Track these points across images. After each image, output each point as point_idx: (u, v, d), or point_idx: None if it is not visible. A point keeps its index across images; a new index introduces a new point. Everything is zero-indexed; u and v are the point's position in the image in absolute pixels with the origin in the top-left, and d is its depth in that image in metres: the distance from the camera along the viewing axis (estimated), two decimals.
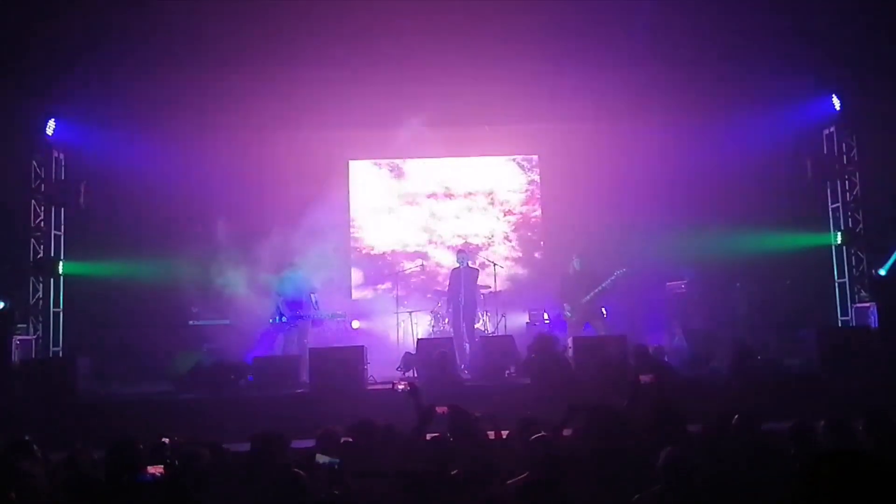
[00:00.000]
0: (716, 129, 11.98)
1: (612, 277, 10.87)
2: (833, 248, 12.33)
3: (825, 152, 12.41)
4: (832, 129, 12.32)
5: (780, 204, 11.97)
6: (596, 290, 10.94)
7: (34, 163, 11.97)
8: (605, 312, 11.13)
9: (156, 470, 3.77)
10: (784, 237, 11.78)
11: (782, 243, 11.70)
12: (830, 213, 12.43)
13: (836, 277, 12.25)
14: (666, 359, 9.59)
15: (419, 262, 13.44)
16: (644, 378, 5.94)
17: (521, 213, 14.10)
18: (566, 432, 5.25)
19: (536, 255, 14.00)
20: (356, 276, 13.85)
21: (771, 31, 10.27)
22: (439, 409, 5.09)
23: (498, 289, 12.40)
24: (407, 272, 13.28)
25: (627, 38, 10.02)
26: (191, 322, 11.45)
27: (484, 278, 12.12)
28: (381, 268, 13.84)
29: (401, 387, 5.96)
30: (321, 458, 4.34)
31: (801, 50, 10.48)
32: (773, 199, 12.00)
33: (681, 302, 11.89)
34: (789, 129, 11.84)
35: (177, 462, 4.03)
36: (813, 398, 7.70)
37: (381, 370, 10.01)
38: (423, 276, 13.46)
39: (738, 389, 8.09)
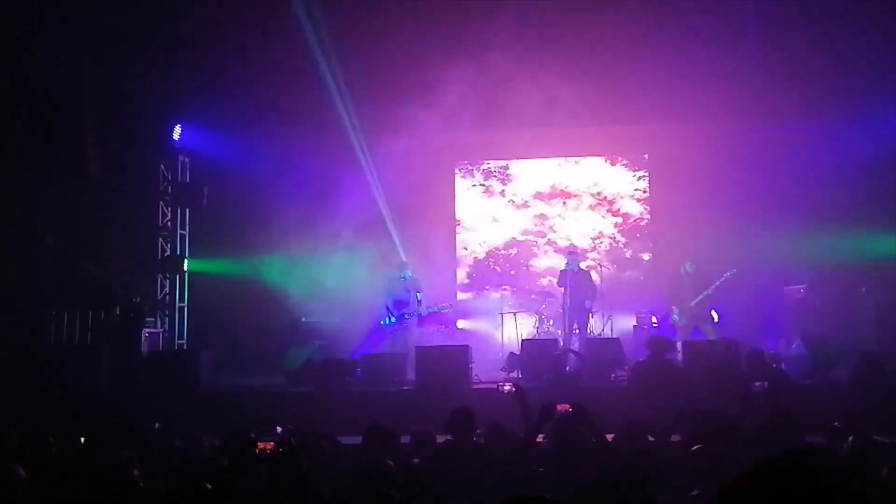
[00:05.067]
0: (836, 126, 11.33)
1: (722, 279, 10.53)
2: None
3: None
4: None
5: None
6: (705, 293, 10.62)
7: (162, 166, 12.77)
8: (715, 316, 10.77)
9: (266, 445, 3.94)
10: None
11: None
12: None
13: None
14: (783, 366, 9.17)
15: (512, 271, 13.38)
16: (757, 385, 5.70)
17: (629, 215, 13.82)
18: (674, 438, 5.13)
19: (645, 257, 13.68)
20: (461, 277, 13.97)
21: (884, 30, 9.69)
22: (560, 407, 4.99)
23: (604, 291, 12.19)
24: (508, 273, 13.29)
25: (740, 38, 9.68)
26: (303, 319, 11.87)
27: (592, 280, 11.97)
28: (487, 269, 13.90)
29: (506, 388, 5.92)
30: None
31: None
32: None
33: (800, 307, 11.32)
34: None
35: (292, 440, 4.21)
36: None
37: (486, 370, 10.06)
38: (527, 277, 13.40)
39: (859, 403, 7.63)
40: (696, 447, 4.19)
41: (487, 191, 14.16)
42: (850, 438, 4.38)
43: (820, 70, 10.49)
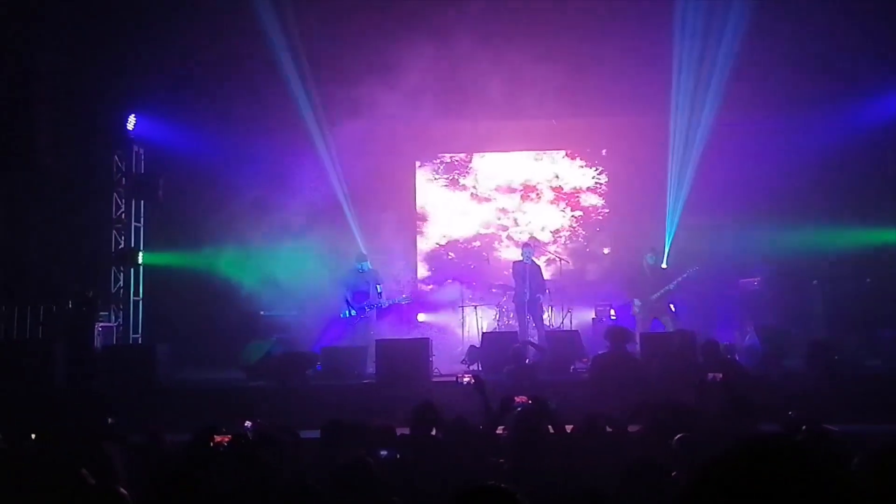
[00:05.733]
0: (793, 122, 11.59)
1: (684, 275, 10.72)
2: None
3: None
4: None
5: (861, 199, 11.52)
6: (666, 288, 10.79)
7: (116, 157, 12.50)
8: (673, 308, 10.96)
9: (223, 439, 3.91)
10: (864, 233, 11.32)
11: (862, 240, 11.26)
12: None
13: None
14: (737, 357, 9.37)
15: (472, 264, 13.41)
16: (712, 376, 5.82)
17: (588, 209, 13.94)
18: (632, 429, 5.21)
19: (605, 250, 13.82)
20: (422, 270, 13.96)
21: (853, 23, 9.91)
22: (518, 399, 5.04)
23: (563, 284, 12.31)
24: (468, 266, 13.30)
25: (700, 34, 9.84)
26: (262, 312, 11.75)
27: (549, 273, 12.07)
28: (447, 262, 13.90)
29: (466, 379, 5.95)
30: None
31: (884, 40, 10.09)
32: (853, 194, 11.56)
33: (753, 299, 11.57)
34: (870, 121, 11.37)
35: (249, 434, 4.18)
36: (892, 400, 7.43)
37: (446, 363, 10.09)
38: (487, 270, 13.44)
39: (812, 390, 7.84)
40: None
41: (449, 183, 14.16)
42: (804, 428, 4.50)
43: (776, 67, 10.69)
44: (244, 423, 5.24)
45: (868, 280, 11.43)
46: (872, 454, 1.67)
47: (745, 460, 1.20)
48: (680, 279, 10.74)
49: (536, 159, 14.07)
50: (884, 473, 1.60)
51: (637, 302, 11.07)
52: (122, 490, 3.25)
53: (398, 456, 4.70)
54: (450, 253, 13.97)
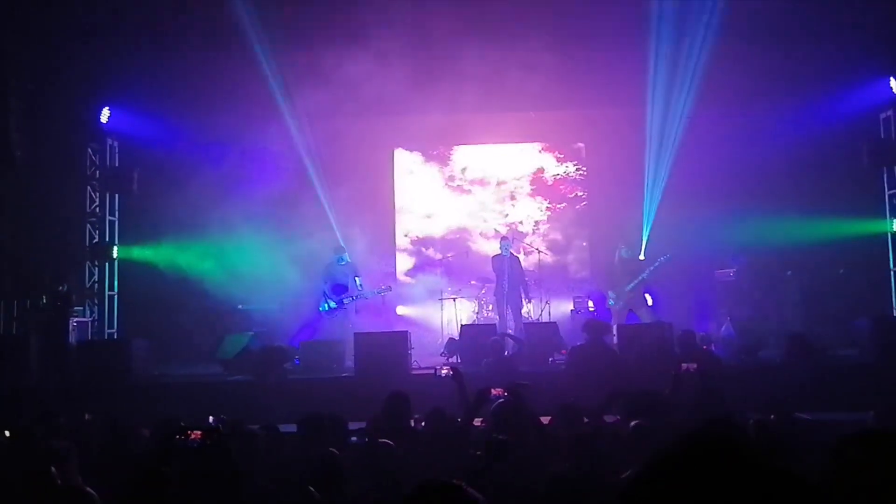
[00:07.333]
0: (768, 114, 11.69)
1: (655, 265, 10.82)
2: (889, 235, 11.94)
3: (882, 137, 12.02)
4: (889, 113, 11.91)
5: (835, 190, 11.62)
6: (639, 279, 10.88)
7: (89, 150, 12.33)
8: (649, 299, 11.05)
9: (194, 434, 3.89)
10: (838, 224, 11.42)
11: (836, 231, 11.37)
12: (887, 199, 12.01)
13: (891, 266, 11.88)
14: (713, 347, 9.47)
15: (450, 254, 13.39)
16: (686, 366, 5.86)
17: (566, 201, 13.98)
18: (608, 419, 5.24)
19: (584, 243, 13.87)
20: (401, 262, 13.94)
21: (825, 15, 10.00)
22: (495, 392, 5.04)
23: (542, 276, 12.35)
24: (447, 258, 13.27)
25: (676, 27, 9.87)
26: (240, 306, 11.67)
27: (528, 264, 12.10)
28: (426, 255, 13.89)
29: (444, 371, 5.96)
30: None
31: (856, 33, 10.20)
32: (827, 185, 11.67)
33: (729, 290, 11.69)
34: (844, 113, 11.49)
35: (221, 428, 4.15)
36: (867, 390, 7.53)
37: (426, 356, 10.09)
38: (467, 263, 13.44)
39: (788, 382, 7.92)
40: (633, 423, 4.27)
41: (427, 176, 14.13)
42: (772, 416, 4.56)
43: (751, 61, 10.75)
44: (208, 418, 5.21)
45: (841, 271, 11.58)
46: (835, 443, 1.70)
47: (689, 452, 1.20)
48: (651, 268, 10.85)
49: (516, 152, 14.08)
50: (843, 462, 1.63)
51: (612, 294, 11.15)
52: (90, 490, 3.21)
53: (367, 440, 4.70)
54: (429, 245, 13.95)
